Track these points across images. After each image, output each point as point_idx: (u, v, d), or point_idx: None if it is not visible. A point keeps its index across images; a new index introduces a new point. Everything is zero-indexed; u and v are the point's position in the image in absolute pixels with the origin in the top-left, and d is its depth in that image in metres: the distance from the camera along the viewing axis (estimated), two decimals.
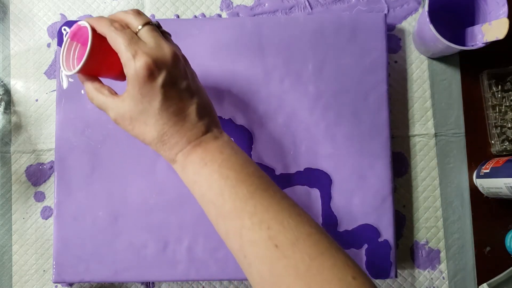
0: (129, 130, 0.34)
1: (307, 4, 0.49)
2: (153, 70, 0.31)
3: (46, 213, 0.48)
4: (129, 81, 0.32)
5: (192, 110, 0.34)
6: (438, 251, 0.46)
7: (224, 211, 0.32)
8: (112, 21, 0.33)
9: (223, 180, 0.32)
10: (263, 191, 0.32)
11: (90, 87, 0.35)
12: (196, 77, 0.36)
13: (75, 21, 0.45)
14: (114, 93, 0.35)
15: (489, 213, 0.46)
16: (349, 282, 0.28)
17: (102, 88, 0.35)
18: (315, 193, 0.44)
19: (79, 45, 0.35)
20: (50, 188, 0.48)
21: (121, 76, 0.35)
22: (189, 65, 0.36)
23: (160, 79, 0.32)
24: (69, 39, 0.35)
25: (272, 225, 0.30)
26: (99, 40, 0.33)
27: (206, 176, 0.33)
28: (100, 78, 0.36)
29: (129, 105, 0.33)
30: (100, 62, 0.34)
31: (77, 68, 0.33)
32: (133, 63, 0.31)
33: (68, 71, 0.34)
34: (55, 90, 0.48)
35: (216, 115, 0.36)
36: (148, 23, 0.33)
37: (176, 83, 0.33)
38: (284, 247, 0.29)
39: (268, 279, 0.29)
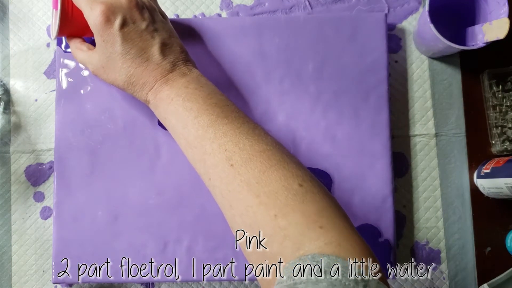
0: (105, 79, 0.37)
1: (307, 3, 0.49)
2: (108, 15, 0.34)
3: (45, 213, 0.48)
4: (93, 32, 0.35)
5: (155, 49, 0.36)
6: (439, 252, 0.46)
7: (190, 141, 0.34)
8: None
9: (186, 112, 0.34)
10: (223, 118, 0.33)
11: (72, 46, 0.40)
12: (160, 19, 0.38)
13: None
14: (92, 48, 0.38)
15: (489, 213, 0.46)
16: (295, 189, 0.30)
17: (82, 45, 0.39)
18: None
19: None
20: (49, 188, 0.48)
21: None
22: (155, 8, 0.38)
23: (117, 22, 0.34)
24: (54, 10, 0.39)
25: (229, 147, 0.32)
26: (69, 3, 0.37)
27: (173, 111, 0.35)
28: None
29: (99, 54, 0.36)
30: (74, 23, 0.38)
31: (55, 32, 0.37)
32: (91, 14, 0.34)
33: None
34: (54, 90, 0.48)
35: (185, 53, 0.38)
36: None
37: (134, 25, 0.35)
38: (238, 166, 0.31)
39: (227, 196, 0.31)
